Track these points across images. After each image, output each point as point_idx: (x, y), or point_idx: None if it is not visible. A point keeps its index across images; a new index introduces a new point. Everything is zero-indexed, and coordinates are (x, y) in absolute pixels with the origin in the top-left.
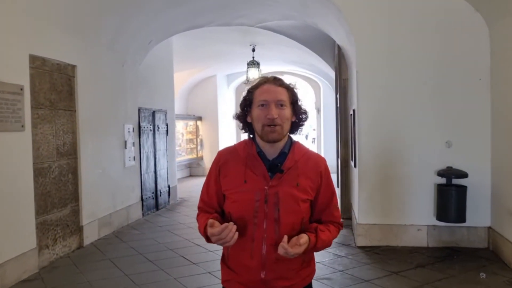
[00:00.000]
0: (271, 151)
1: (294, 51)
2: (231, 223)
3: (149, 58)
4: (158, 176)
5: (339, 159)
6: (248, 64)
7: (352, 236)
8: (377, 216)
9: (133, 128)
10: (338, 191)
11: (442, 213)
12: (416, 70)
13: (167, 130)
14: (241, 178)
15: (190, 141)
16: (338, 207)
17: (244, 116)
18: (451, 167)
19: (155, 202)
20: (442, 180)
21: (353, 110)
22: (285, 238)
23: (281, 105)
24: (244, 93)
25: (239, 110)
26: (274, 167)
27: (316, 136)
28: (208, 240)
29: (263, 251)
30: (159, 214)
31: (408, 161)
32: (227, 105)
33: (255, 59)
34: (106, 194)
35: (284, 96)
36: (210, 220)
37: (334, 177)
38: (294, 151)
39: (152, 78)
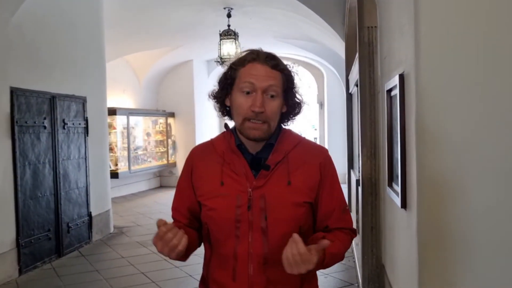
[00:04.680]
0: (255, 144)
1: (286, 16)
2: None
3: (40, 9)
4: (63, 200)
5: (360, 177)
6: (221, 35)
7: None
8: None
9: None
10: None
11: None
12: None
13: (86, 128)
14: (217, 180)
15: (160, 143)
16: (347, 209)
17: (223, 96)
18: None
19: (55, 245)
20: None
21: (400, 78)
22: (296, 237)
23: (272, 96)
24: (225, 68)
25: (216, 86)
26: (258, 162)
27: (319, 136)
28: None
29: (249, 272)
30: (59, 267)
31: None
32: (207, 98)
33: (231, 28)
34: None
35: (277, 82)
36: (161, 220)
37: None
38: (283, 141)
39: (48, 43)
